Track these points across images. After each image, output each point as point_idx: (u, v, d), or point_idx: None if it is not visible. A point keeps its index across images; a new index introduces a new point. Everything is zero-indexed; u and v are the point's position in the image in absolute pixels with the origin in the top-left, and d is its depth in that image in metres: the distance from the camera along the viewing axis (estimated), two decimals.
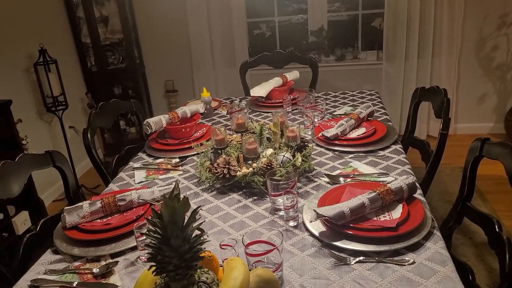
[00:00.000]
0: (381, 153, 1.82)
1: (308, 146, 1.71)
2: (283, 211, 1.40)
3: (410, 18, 3.76)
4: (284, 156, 1.60)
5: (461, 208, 1.53)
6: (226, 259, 0.96)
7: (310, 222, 1.32)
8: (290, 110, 2.43)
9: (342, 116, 2.15)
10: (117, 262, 1.25)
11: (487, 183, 2.98)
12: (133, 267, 1.23)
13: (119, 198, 1.47)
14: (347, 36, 4.28)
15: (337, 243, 1.22)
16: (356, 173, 1.67)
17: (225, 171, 1.58)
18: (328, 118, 2.25)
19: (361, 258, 1.16)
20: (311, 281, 1.10)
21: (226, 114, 2.54)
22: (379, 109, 2.37)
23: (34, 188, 2.97)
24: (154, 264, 0.80)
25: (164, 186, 1.57)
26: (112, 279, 1.18)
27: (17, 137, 2.84)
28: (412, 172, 1.64)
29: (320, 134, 1.97)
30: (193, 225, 0.82)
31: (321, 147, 1.92)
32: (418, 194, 1.44)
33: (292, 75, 2.75)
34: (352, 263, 1.15)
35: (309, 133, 2.08)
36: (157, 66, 4.38)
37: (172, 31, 4.22)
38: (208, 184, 1.67)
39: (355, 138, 1.93)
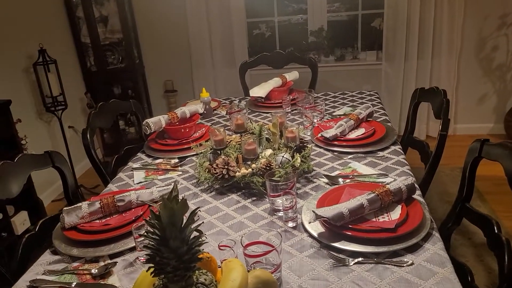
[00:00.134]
0: (380, 153, 1.82)
1: (307, 146, 1.71)
2: (282, 212, 1.40)
3: (410, 18, 3.76)
4: (283, 156, 1.60)
5: (460, 209, 1.53)
6: (225, 260, 0.96)
7: (309, 223, 1.32)
8: (289, 110, 2.43)
9: (342, 117, 2.15)
10: (115, 262, 1.25)
11: (486, 184, 2.98)
12: (132, 268, 1.23)
13: (118, 199, 1.46)
14: (346, 37, 4.28)
15: (336, 244, 1.22)
16: (355, 173, 1.67)
17: (224, 171, 1.58)
18: (327, 119, 2.25)
19: (360, 259, 1.16)
20: (310, 282, 1.10)
21: (226, 114, 2.54)
22: (379, 110, 2.37)
23: (33, 188, 2.97)
24: (153, 265, 0.81)
25: (163, 186, 1.57)
26: (111, 280, 1.18)
27: (16, 137, 2.84)
28: (411, 173, 1.64)
29: (319, 135, 1.97)
30: (192, 227, 0.82)
31: (320, 147, 1.92)
32: (417, 195, 1.44)
33: (291, 75, 2.75)
34: (351, 264, 1.15)
35: (309, 134, 2.08)
36: (157, 66, 4.38)
37: (171, 31, 4.23)
38: (207, 185, 1.67)
39: (354, 138, 1.93)
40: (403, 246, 1.18)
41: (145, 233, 0.80)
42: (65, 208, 1.42)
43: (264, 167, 1.55)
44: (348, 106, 2.48)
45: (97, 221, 1.43)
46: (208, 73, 4.22)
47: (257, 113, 2.51)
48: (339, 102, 2.59)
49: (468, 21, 3.77)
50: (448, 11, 3.69)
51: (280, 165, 1.57)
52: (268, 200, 1.49)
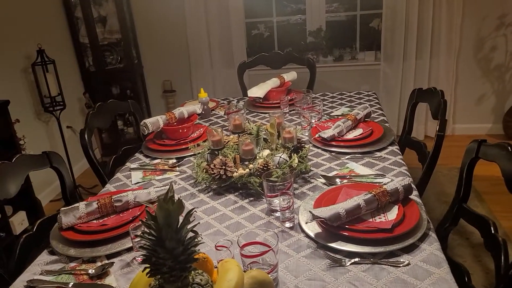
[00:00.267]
0: (378, 154, 1.82)
1: (304, 147, 1.71)
2: (279, 212, 1.40)
3: (408, 18, 3.76)
4: (280, 157, 1.60)
5: (457, 209, 1.53)
6: (221, 260, 0.96)
7: (306, 223, 1.32)
8: (287, 111, 2.43)
9: (339, 117, 2.15)
10: (112, 263, 1.25)
11: (484, 184, 2.99)
12: (129, 268, 1.23)
13: (115, 199, 1.47)
14: (345, 37, 4.28)
15: (333, 245, 1.22)
16: (353, 174, 1.67)
17: (222, 172, 1.58)
18: (325, 119, 2.25)
19: (357, 259, 1.16)
20: (306, 283, 1.10)
21: (224, 114, 2.54)
22: (376, 110, 2.37)
23: (31, 188, 2.97)
24: (149, 265, 0.81)
25: (160, 187, 1.57)
26: (108, 280, 1.19)
27: (14, 137, 2.84)
28: (408, 173, 1.64)
29: (317, 135, 1.98)
30: (188, 227, 0.82)
31: (318, 148, 1.92)
32: (414, 196, 1.44)
33: (289, 75, 2.75)
34: (347, 264, 1.15)
35: (306, 134, 2.08)
36: (155, 66, 4.38)
37: (170, 31, 4.23)
38: (205, 185, 1.67)
39: (352, 139, 1.93)
40: (400, 247, 1.18)
41: (141, 234, 0.80)
42: (62, 209, 1.42)
43: (261, 167, 1.55)
44: (346, 107, 2.48)
45: (95, 221, 1.43)
46: (206, 73, 4.23)
47: (255, 114, 2.51)
48: (337, 103, 2.59)
49: (467, 21, 3.78)
50: (447, 11, 3.69)
51: (278, 166, 1.57)
52: (265, 201, 1.49)
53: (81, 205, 1.44)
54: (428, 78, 3.94)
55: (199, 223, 1.42)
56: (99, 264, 1.26)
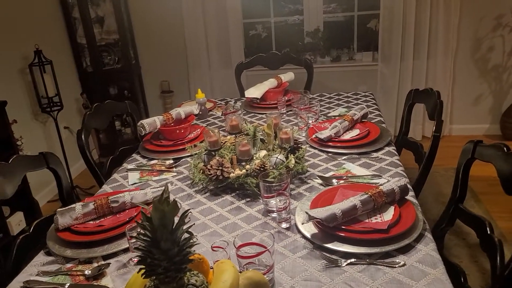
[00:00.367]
0: (374, 155, 1.83)
1: (301, 148, 1.71)
2: (275, 213, 1.40)
3: (406, 19, 3.77)
4: (277, 158, 1.60)
5: (453, 210, 1.53)
6: (217, 261, 0.96)
7: (302, 224, 1.32)
8: (284, 111, 2.44)
9: (336, 118, 2.16)
10: (109, 264, 1.25)
11: (481, 184, 2.99)
12: (125, 269, 1.23)
13: (112, 200, 1.47)
14: (342, 37, 4.29)
15: (329, 245, 1.22)
16: (349, 175, 1.67)
17: (219, 172, 1.59)
18: (322, 120, 2.25)
19: (352, 260, 1.17)
20: (302, 283, 1.11)
21: (221, 115, 2.54)
22: (373, 111, 2.37)
23: (29, 188, 2.96)
24: (144, 266, 0.81)
25: (157, 187, 1.57)
26: (104, 281, 1.19)
27: (12, 137, 2.84)
28: (405, 174, 1.65)
29: (313, 136, 1.98)
30: (183, 228, 0.82)
31: (315, 148, 1.92)
32: (410, 196, 1.44)
33: (287, 76, 2.75)
34: (343, 265, 1.15)
35: (303, 135, 2.08)
36: (153, 66, 4.38)
37: (168, 31, 4.23)
38: (202, 186, 1.68)
39: (349, 139, 1.94)
40: (396, 247, 1.19)
41: (137, 235, 0.81)
42: (58, 209, 1.42)
43: (258, 168, 1.55)
44: (343, 107, 2.49)
45: (91, 222, 1.43)
46: (204, 73, 4.23)
47: (253, 114, 2.51)
48: (334, 103, 2.59)
49: (464, 21, 3.79)
50: (444, 11, 3.70)
51: (274, 166, 1.58)
52: (262, 201, 1.49)
53: (78, 206, 1.44)
54: (426, 79, 3.94)
55: (194, 224, 1.42)
56: (95, 265, 1.26)
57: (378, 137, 1.94)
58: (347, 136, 1.98)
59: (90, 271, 1.22)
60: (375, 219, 1.30)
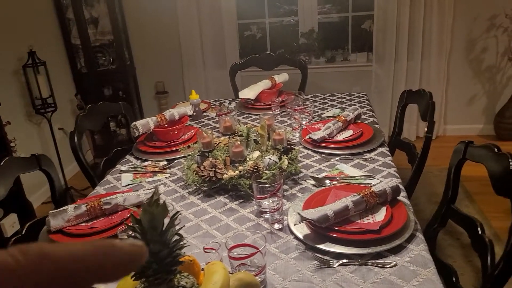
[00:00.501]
0: (367, 155, 1.83)
1: (294, 148, 1.71)
2: (268, 214, 1.40)
3: (400, 20, 3.78)
4: (270, 159, 1.60)
5: (445, 210, 1.54)
6: (209, 263, 0.96)
7: (295, 225, 1.32)
8: (278, 112, 2.44)
9: (330, 119, 2.16)
10: None
11: (474, 184, 3.00)
12: None
13: (104, 202, 1.46)
14: (337, 38, 4.30)
15: (321, 246, 1.23)
16: (342, 175, 1.68)
17: (212, 174, 1.59)
18: (316, 121, 2.25)
19: (344, 260, 1.17)
20: (294, 284, 1.11)
21: (215, 116, 2.54)
22: (367, 112, 2.38)
23: (23, 190, 2.95)
24: None
25: (150, 189, 1.57)
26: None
27: (5, 139, 2.83)
28: (397, 174, 1.65)
29: (307, 137, 1.98)
30: (173, 230, 0.82)
31: (308, 149, 1.93)
32: (402, 197, 1.45)
33: (281, 77, 2.75)
34: (335, 265, 1.16)
35: (297, 136, 2.09)
36: (148, 67, 4.37)
37: (162, 32, 4.22)
38: (195, 187, 1.67)
39: (342, 140, 1.94)
40: (387, 248, 1.19)
41: (127, 237, 0.80)
42: (51, 211, 1.42)
43: (251, 169, 1.55)
44: (337, 108, 2.49)
45: (83, 224, 1.43)
46: (199, 74, 4.22)
47: (247, 115, 2.51)
48: (328, 104, 2.60)
49: (458, 22, 3.80)
50: (438, 12, 3.72)
51: (267, 167, 1.58)
52: (255, 202, 1.49)
53: (70, 208, 1.43)
54: (420, 79, 3.96)
55: (184, 225, 1.42)
56: None
57: (371, 138, 1.95)
58: (341, 137, 1.98)
59: None
60: (367, 219, 1.31)
